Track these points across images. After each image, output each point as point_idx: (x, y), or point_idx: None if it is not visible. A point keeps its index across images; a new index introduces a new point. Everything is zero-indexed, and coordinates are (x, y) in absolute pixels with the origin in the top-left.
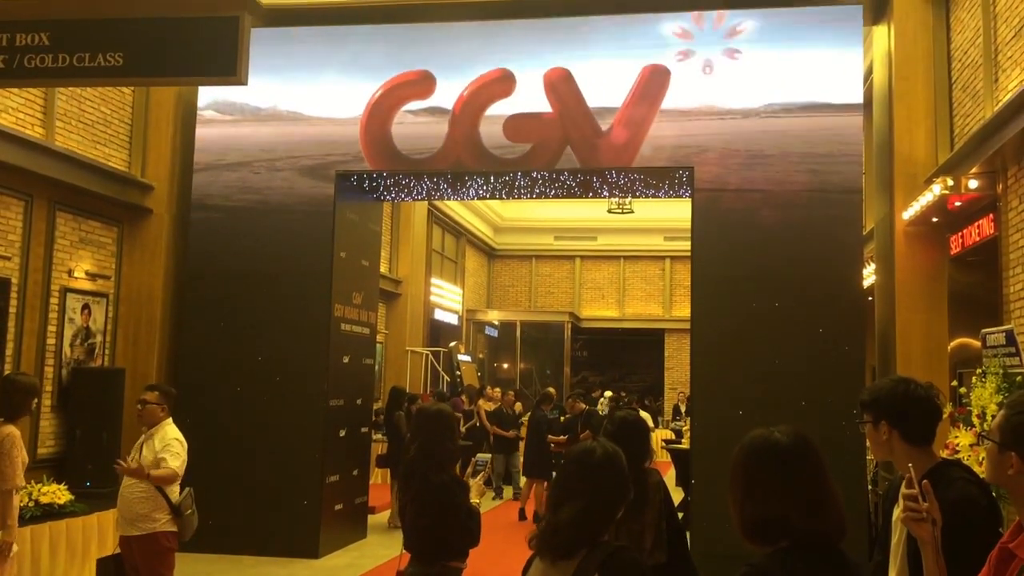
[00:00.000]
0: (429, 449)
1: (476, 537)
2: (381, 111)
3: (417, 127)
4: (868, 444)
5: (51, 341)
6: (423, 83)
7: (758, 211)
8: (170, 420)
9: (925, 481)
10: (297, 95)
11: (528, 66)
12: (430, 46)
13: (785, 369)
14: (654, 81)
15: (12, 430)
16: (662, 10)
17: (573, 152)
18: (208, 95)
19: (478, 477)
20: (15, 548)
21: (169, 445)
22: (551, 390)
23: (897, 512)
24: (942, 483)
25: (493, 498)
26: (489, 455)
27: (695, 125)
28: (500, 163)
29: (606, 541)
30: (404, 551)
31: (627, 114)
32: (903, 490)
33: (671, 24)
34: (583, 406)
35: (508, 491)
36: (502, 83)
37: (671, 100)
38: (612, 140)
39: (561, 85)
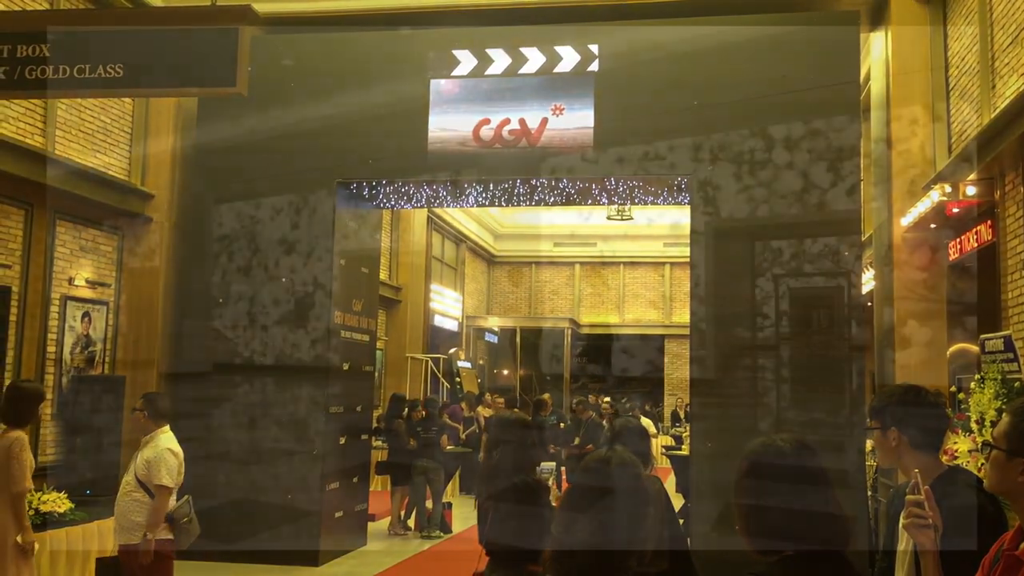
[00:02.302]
0: (512, 454)
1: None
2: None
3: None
4: (872, 450)
5: (51, 349)
6: None
7: (757, 217)
8: (166, 428)
9: (926, 488)
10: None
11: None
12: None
13: (784, 375)
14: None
15: (20, 434)
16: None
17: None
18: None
19: None
20: (36, 547)
21: (161, 456)
22: (546, 396)
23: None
24: (949, 490)
25: None
26: (553, 463)
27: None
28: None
29: None
30: (484, 554)
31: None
32: (908, 496)
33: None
34: (591, 414)
35: None
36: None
37: (669, 108)
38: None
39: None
